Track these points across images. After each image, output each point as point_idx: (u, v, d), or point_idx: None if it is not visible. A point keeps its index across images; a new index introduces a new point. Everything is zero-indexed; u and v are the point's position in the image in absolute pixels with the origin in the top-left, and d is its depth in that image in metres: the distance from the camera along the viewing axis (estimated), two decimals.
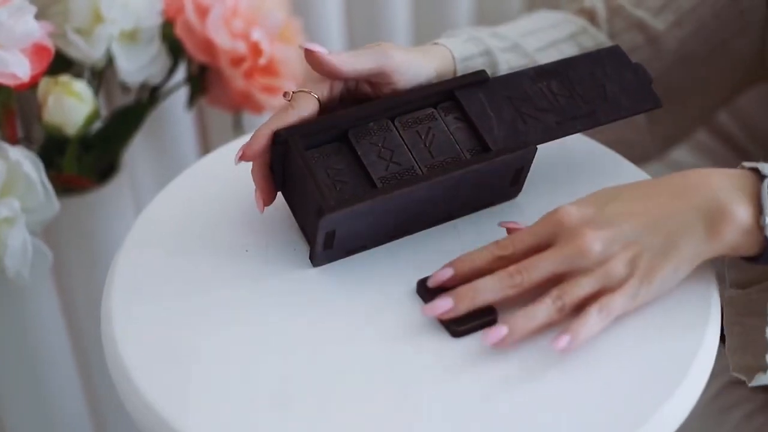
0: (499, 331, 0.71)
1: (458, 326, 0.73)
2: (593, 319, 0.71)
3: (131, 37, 1.06)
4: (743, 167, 0.75)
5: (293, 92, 0.79)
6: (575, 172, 0.86)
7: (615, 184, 0.81)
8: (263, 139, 0.77)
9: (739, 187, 0.74)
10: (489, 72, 0.85)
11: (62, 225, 1.13)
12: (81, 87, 1.01)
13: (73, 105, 1.01)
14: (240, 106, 1.17)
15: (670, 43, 0.96)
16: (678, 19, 0.96)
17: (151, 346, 0.74)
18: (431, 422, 0.69)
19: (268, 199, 0.79)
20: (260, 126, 0.77)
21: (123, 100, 1.18)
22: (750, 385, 0.78)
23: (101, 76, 1.11)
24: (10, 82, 0.92)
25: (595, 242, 0.72)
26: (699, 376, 0.73)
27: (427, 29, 1.56)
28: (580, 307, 0.72)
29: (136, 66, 1.07)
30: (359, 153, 0.78)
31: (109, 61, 1.05)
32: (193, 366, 0.73)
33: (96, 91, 1.07)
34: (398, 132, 0.79)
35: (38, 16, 0.96)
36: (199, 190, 0.85)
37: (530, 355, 0.72)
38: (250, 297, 0.77)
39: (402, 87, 0.80)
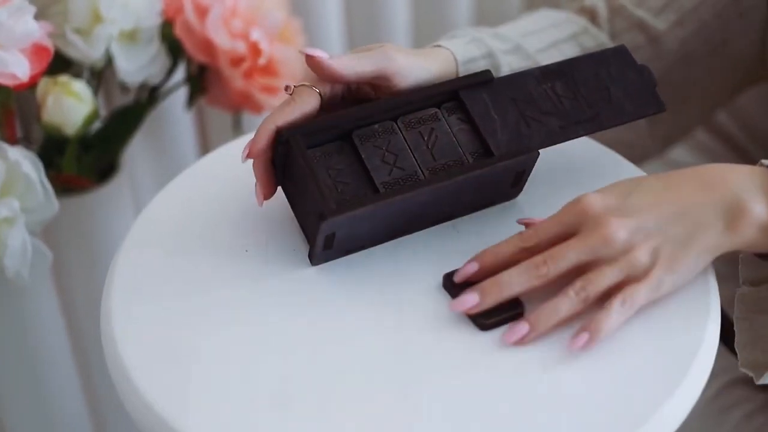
0: (520, 329, 0.72)
1: (486, 320, 0.74)
2: (615, 313, 0.72)
3: (131, 37, 1.06)
4: (762, 165, 0.76)
5: (295, 86, 0.78)
6: (575, 172, 0.86)
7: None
8: (267, 135, 0.76)
9: (757, 184, 0.75)
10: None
11: (62, 225, 1.13)
12: (80, 87, 1.01)
13: (72, 105, 1.00)
14: (239, 106, 1.17)
15: (671, 43, 0.96)
16: (679, 19, 0.96)
17: (151, 346, 0.74)
18: (431, 422, 0.69)
19: (269, 194, 0.79)
20: (263, 121, 0.77)
21: (122, 100, 1.18)
22: (758, 382, 0.78)
23: (100, 76, 1.11)
24: (9, 82, 0.92)
25: (619, 231, 0.72)
26: (699, 375, 0.72)
27: (426, 29, 1.56)
28: (603, 297, 0.72)
29: (136, 66, 1.07)
30: (363, 156, 0.77)
31: (109, 61, 1.05)
32: (193, 366, 0.73)
33: (95, 91, 1.07)
34: (402, 134, 0.79)
35: (38, 16, 0.96)
36: (199, 190, 0.85)
37: (530, 355, 0.72)
38: (249, 297, 0.77)
39: (403, 89, 0.80)
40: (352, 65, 0.78)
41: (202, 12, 1.09)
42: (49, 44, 0.96)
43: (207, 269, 0.79)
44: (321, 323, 0.75)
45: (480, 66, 0.86)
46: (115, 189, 1.16)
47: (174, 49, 1.12)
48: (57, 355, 1.22)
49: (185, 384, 0.72)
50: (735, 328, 0.79)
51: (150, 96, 1.16)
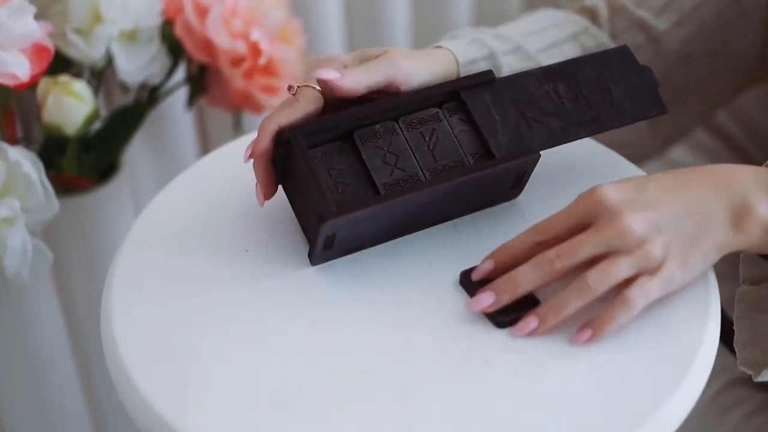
0: (529, 323, 0.72)
1: (502, 317, 0.74)
2: (629, 306, 0.72)
3: (131, 37, 1.06)
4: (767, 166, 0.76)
5: (298, 86, 0.78)
6: (575, 172, 0.86)
7: None
8: (270, 135, 0.76)
9: (762, 184, 0.75)
10: None
11: (62, 225, 1.13)
12: (80, 87, 1.01)
13: (72, 105, 1.00)
14: (240, 106, 1.17)
15: (671, 43, 0.96)
16: (680, 19, 0.96)
17: (151, 346, 0.74)
18: (431, 422, 0.69)
19: (269, 193, 0.79)
20: (265, 120, 0.77)
21: (122, 100, 1.18)
22: (756, 380, 0.78)
23: (101, 76, 1.11)
24: (9, 82, 0.92)
25: (635, 224, 0.72)
26: (699, 375, 0.73)
27: (426, 29, 1.56)
28: (613, 289, 0.72)
29: (136, 66, 1.07)
30: (364, 157, 0.77)
31: (109, 61, 1.05)
32: (193, 366, 0.73)
33: (95, 91, 1.07)
34: (403, 134, 0.79)
35: (38, 17, 0.96)
36: (199, 190, 0.85)
37: (530, 355, 0.72)
38: (249, 297, 0.77)
39: (406, 91, 0.80)
40: (362, 79, 0.78)
41: (203, 12, 1.09)
42: (49, 44, 0.96)
43: (207, 269, 0.79)
44: (321, 323, 0.75)
45: (481, 67, 0.86)
46: (116, 189, 1.16)
47: (174, 49, 1.12)
48: (57, 355, 1.22)
49: (185, 384, 0.72)
50: (735, 327, 0.79)
51: (150, 96, 1.16)
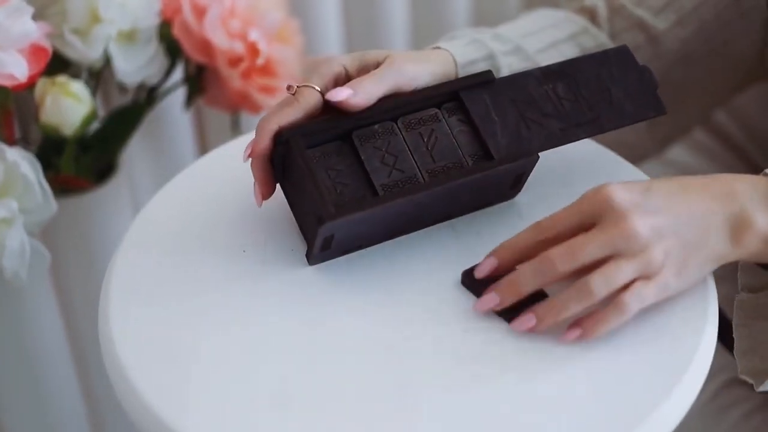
0: (527, 321, 0.72)
1: (512, 314, 0.73)
2: (624, 310, 0.71)
3: (129, 37, 1.06)
4: (766, 174, 0.76)
5: (297, 86, 0.78)
6: (574, 171, 0.86)
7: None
8: (270, 134, 0.76)
9: (761, 194, 0.74)
10: None
11: (60, 226, 1.13)
12: (78, 87, 1.01)
13: (70, 105, 1.00)
14: (238, 106, 1.17)
15: (670, 43, 0.96)
16: (679, 19, 0.96)
17: (149, 346, 0.74)
18: (431, 422, 0.69)
19: (267, 193, 0.79)
20: (264, 119, 0.77)
21: (120, 101, 1.18)
22: (758, 390, 0.78)
23: (99, 76, 1.11)
24: (7, 82, 0.92)
25: (642, 228, 0.71)
26: (697, 375, 0.73)
27: (425, 29, 1.56)
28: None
29: (134, 66, 1.07)
30: (363, 158, 0.77)
31: (107, 61, 1.05)
32: (191, 366, 0.73)
33: (93, 92, 1.07)
34: (402, 135, 0.78)
35: (36, 17, 0.96)
36: (197, 191, 0.85)
37: (530, 355, 0.72)
38: (248, 297, 0.77)
39: (406, 92, 0.80)
40: (374, 93, 0.78)
41: (200, 12, 1.09)
42: (47, 45, 0.96)
43: (205, 269, 0.79)
44: (319, 323, 0.75)
45: (480, 68, 0.86)
46: (114, 189, 1.16)
47: (172, 49, 1.12)
48: (55, 356, 1.22)
49: (183, 384, 0.72)
50: (734, 335, 0.79)
51: (148, 96, 1.16)
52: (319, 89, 0.78)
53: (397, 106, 0.79)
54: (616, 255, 0.71)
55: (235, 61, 1.11)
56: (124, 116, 1.15)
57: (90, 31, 1.03)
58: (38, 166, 0.96)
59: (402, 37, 1.52)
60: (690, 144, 1.19)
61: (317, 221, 0.74)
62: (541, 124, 0.80)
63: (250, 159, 0.78)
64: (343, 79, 0.80)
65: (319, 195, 0.75)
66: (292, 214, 0.81)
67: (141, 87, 1.15)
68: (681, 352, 0.73)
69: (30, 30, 0.93)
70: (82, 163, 1.10)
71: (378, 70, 0.79)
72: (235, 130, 1.24)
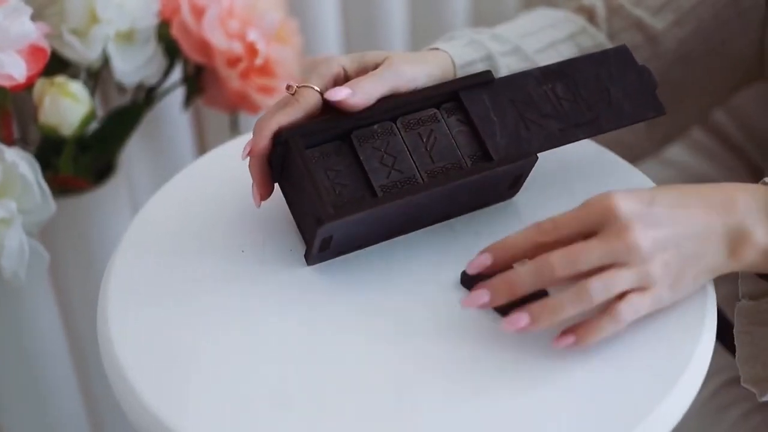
0: (519, 320, 0.71)
1: (508, 308, 0.72)
2: (618, 320, 0.71)
3: (127, 37, 1.06)
4: (765, 183, 0.76)
5: (297, 86, 0.78)
6: (572, 171, 0.86)
7: (611, 183, 0.81)
8: (269, 134, 0.76)
9: (760, 205, 0.74)
10: None
11: (59, 226, 1.13)
12: (77, 88, 1.01)
13: (69, 106, 1.00)
14: (236, 106, 1.17)
15: (669, 43, 0.96)
16: (677, 19, 0.96)
17: (148, 346, 0.74)
18: (430, 422, 0.69)
19: (266, 194, 0.79)
20: (263, 118, 0.77)
21: (119, 101, 1.18)
22: (761, 400, 0.77)
23: (97, 76, 1.11)
24: (6, 83, 0.92)
25: (644, 240, 0.71)
26: (695, 375, 0.73)
27: (424, 29, 1.56)
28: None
29: (133, 67, 1.07)
30: (362, 158, 0.77)
31: (105, 61, 1.05)
32: (190, 366, 0.73)
33: (92, 92, 1.07)
34: (401, 135, 0.78)
35: (34, 17, 0.96)
36: (196, 191, 0.85)
37: (530, 355, 0.72)
38: (246, 297, 0.77)
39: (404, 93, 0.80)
40: (372, 93, 0.77)
41: (199, 12, 1.09)
42: (45, 45, 0.96)
43: (204, 270, 0.79)
44: (318, 323, 0.75)
45: (478, 69, 0.86)
46: (112, 190, 1.16)
47: (171, 49, 1.12)
48: (54, 356, 1.22)
49: (182, 384, 0.72)
50: (735, 342, 0.79)
51: (147, 96, 1.16)
52: (318, 89, 0.78)
53: (396, 107, 0.79)
54: (618, 264, 0.71)
55: (233, 62, 1.11)
56: (123, 116, 1.15)
57: (88, 32, 1.03)
58: (37, 166, 0.96)
59: (401, 37, 1.52)
60: (689, 143, 1.19)
61: (316, 222, 0.74)
62: (540, 125, 0.80)
63: (249, 160, 0.78)
64: (342, 79, 0.80)
65: (317, 196, 0.75)
66: (290, 214, 0.81)
67: (139, 87, 1.15)
68: (679, 352, 0.73)
69: (28, 30, 0.93)
70: (80, 163, 1.10)
71: (377, 70, 0.79)
72: (234, 130, 1.24)
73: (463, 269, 0.77)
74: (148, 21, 1.06)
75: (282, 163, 0.78)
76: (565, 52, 0.91)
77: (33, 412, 1.24)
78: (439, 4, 1.54)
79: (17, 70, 0.92)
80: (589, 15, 0.96)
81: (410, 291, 0.77)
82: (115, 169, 1.17)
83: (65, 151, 1.05)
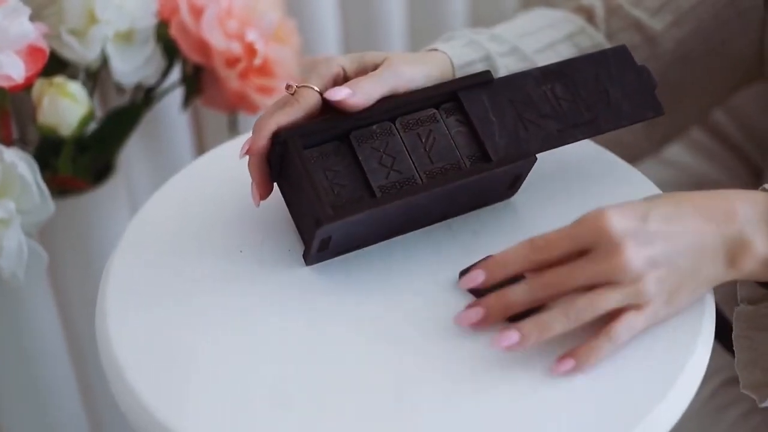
0: (509, 337, 0.71)
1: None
2: (613, 341, 0.71)
3: (126, 38, 1.06)
4: (764, 189, 0.76)
5: (297, 86, 0.78)
6: (571, 171, 0.86)
7: (610, 184, 0.81)
8: (269, 133, 0.76)
9: (762, 217, 0.74)
10: None
11: (57, 226, 1.13)
12: (76, 88, 1.01)
13: (67, 106, 1.00)
14: (235, 106, 1.16)
15: (667, 44, 0.96)
16: (676, 19, 0.96)
17: (146, 346, 0.74)
18: (429, 422, 0.69)
19: (265, 193, 0.79)
20: (263, 118, 0.77)
21: (118, 101, 1.18)
22: (761, 405, 0.77)
23: (96, 77, 1.10)
24: (4, 83, 0.92)
25: (636, 260, 0.71)
26: (694, 375, 0.73)
27: (422, 29, 1.56)
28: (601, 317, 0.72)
29: (131, 67, 1.07)
30: (360, 159, 0.77)
31: (104, 62, 1.05)
32: (189, 366, 0.73)
33: (91, 93, 1.07)
34: (400, 136, 0.78)
35: (33, 18, 0.96)
36: (195, 191, 0.85)
37: (529, 355, 0.72)
38: (245, 297, 0.77)
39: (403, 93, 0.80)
40: (371, 94, 0.78)
41: (198, 12, 1.09)
42: (44, 45, 0.96)
43: (203, 270, 0.79)
44: (317, 323, 0.75)
45: (477, 69, 0.86)
46: (111, 190, 1.16)
47: (169, 49, 1.12)
48: (53, 356, 1.22)
49: (181, 385, 0.72)
50: (735, 347, 0.78)
51: (145, 97, 1.16)
52: (317, 89, 0.78)
53: (395, 107, 0.79)
54: (607, 283, 0.71)
55: (232, 62, 1.11)
56: (122, 117, 1.15)
57: (87, 32, 1.03)
58: (36, 166, 0.96)
59: (399, 37, 1.52)
60: (688, 143, 1.19)
61: (315, 223, 0.74)
62: (538, 125, 0.80)
63: (248, 160, 0.78)
64: (342, 79, 0.80)
65: (316, 196, 0.75)
66: (289, 214, 0.81)
67: (138, 87, 1.15)
68: (678, 352, 0.73)
69: (27, 31, 0.92)
70: (79, 163, 1.10)
71: (377, 71, 0.79)
72: (233, 130, 1.24)
73: (461, 269, 0.77)
74: (147, 21, 1.06)
75: (281, 163, 0.78)
76: (563, 53, 0.91)
77: (32, 412, 1.24)
78: (438, 5, 1.54)
79: (16, 71, 0.92)
80: (588, 15, 0.96)
81: (409, 291, 0.77)
82: (113, 170, 1.17)
83: (64, 151, 1.05)
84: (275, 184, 0.80)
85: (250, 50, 1.10)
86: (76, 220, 1.15)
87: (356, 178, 0.77)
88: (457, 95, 0.80)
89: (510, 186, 0.82)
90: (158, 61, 1.10)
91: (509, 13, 1.57)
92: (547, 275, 0.72)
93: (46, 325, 1.20)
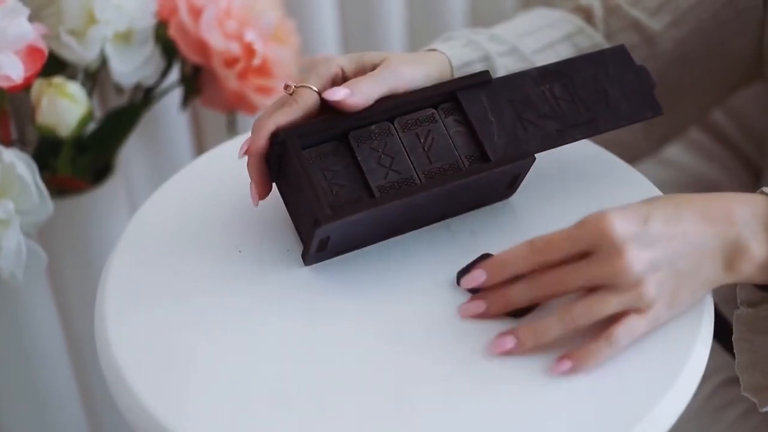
0: (505, 343, 0.72)
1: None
2: (614, 345, 0.71)
3: (125, 38, 1.06)
4: (763, 192, 0.76)
5: (295, 86, 0.78)
6: (569, 171, 0.86)
7: (609, 184, 0.81)
8: (267, 133, 0.76)
9: (761, 220, 0.74)
10: None
11: (57, 226, 1.13)
12: (75, 88, 1.01)
13: (66, 106, 1.00)
14: (234, 106, 1.17)
15: (666, 44, 0.96)
16: (675, 19, 0.96)
17: (145, 347, 0.74)
18: (429, 421, 0.69)
19: (263, 193, 0.79)
20: (261, 118, 0.77)
21: (117, 102, 1.18)
22: (761, 409, 0.77)
23: (95, 77, 1.11)
24: (3, 84, 0.92)
25: (636, 264, 0.71)
26: (693, 375, 0.73)
27: (421, 29, 1.56)
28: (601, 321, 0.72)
29: (130, 67, 1.07)
30: (359, 159, 0.77)
31: (103, 62, 1.05)
32: (188, 367, 0.73)
33: (90, 93, 1.07)
34: (398, 136, 0.78)
35: (31, 18, 0.96)
36: (194, 191, 0.85)
37: (528, 356, 0.72)
38: (244, 297, 0.77)
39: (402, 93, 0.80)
40: (370, 94, 0.78)
41: (197, 13, 1.09)
42: (43, 46, 0.96)
43: (201, 270, 0.79)
44: (316, 323, 0.75)
45: (476, 69, 0.86)
46: (110, 190, 1.16)
47: (168, 50, 1.12)
48: (52, 356, 1.22)
49: (180, 385, 0.72)
50: (734, 350, 0.78)
51: (144, 97, 1.16)
52: (316, 89, 0.78)
53: (393, 107, 0.79)
54: (607, 287, 0.71)
55: (231, 62, 1.11)
56: (121, 117, 1.15)
57: (86, 32, 1.03)
58: (35, 167, 0.96)
59: (398, 37, 1.52)
60: (687, 143, 1.19)
61: (313, 223, 0.74)
62: (537, 125, 0.80)
63: (247, 160, 0.78)
64: (341, 79, 0.80)
65: (315, 196, 0.75)
66: (287, 214, 0.81)
67: (137, 88, 1.15)
68: (677, 352, 0.73)
69: (26, 31, 0.92)
70: (78, 164, 1.10)
71: (375, 71, 0.79)
72: (232, 130, 1.24)
73: (459, 269, 0.77)
74: (146, 21, 1.06)
75: (279, 163, 0.78)
76: (562, 53, 0.91)
77: (31, 412, 1.24)
78: (437, 5, 1.54)
79: (15, 71, 0.92)
80: (587, 15, 0.96)
81: (408, 290, 0.77)
82: (112, 170, 1.17)
83: (63, 151, 1.05)
84: (274, 184, 0.80)
85: (249, 50, 1.10)
86: (76, 221, 1.15)
87: (355, 178, 0.77)
88: (455, 95, 0.80)
89: (509, 186, 0.82)
90: (157, 62, 1.10)
91: (508, 13, 1.57)
92: (548, 275, 0.72)
93: (45, 326, 1.20)
